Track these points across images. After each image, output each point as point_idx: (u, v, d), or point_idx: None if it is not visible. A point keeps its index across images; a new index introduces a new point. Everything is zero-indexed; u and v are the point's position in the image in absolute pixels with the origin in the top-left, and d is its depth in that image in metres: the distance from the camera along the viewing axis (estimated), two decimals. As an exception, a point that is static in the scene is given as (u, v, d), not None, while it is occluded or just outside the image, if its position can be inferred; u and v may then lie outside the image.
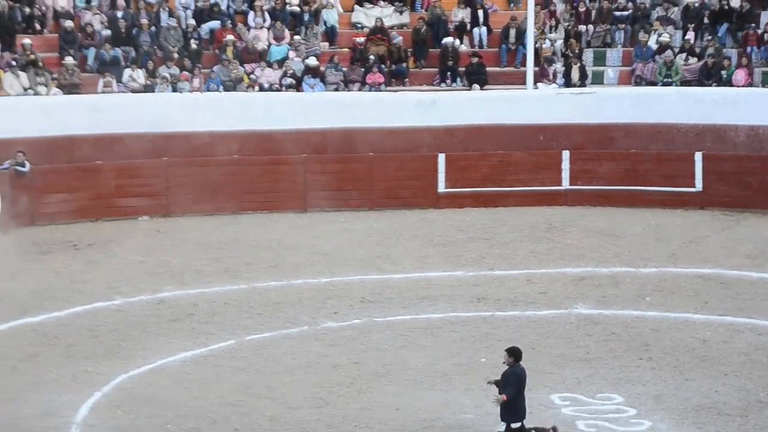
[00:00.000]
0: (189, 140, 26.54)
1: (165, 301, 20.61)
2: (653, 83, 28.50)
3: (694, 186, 26.66)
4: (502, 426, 14.67)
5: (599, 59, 29.40)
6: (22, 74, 26.62)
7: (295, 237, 24.67)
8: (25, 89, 26.57)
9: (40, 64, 27.01)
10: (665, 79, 28.39)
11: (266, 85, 27.94)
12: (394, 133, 27.27)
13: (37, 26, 28.02)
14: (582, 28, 29.69)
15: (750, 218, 25.82)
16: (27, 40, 27.29)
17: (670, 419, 15.61)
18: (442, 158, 26.97)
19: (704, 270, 22.24)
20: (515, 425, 14.61)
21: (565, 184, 27.18)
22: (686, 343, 18.55)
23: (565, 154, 27.16)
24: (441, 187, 26.97)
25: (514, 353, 14.79)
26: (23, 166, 25.03)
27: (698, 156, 26.69)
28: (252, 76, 27.99)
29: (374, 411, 15.85)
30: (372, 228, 25.32)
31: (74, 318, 19.61)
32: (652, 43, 28.95)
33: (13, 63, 26.71)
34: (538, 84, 28.35)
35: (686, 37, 29.04)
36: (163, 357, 17.82)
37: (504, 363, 14.92)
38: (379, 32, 29.06)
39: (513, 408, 14.64)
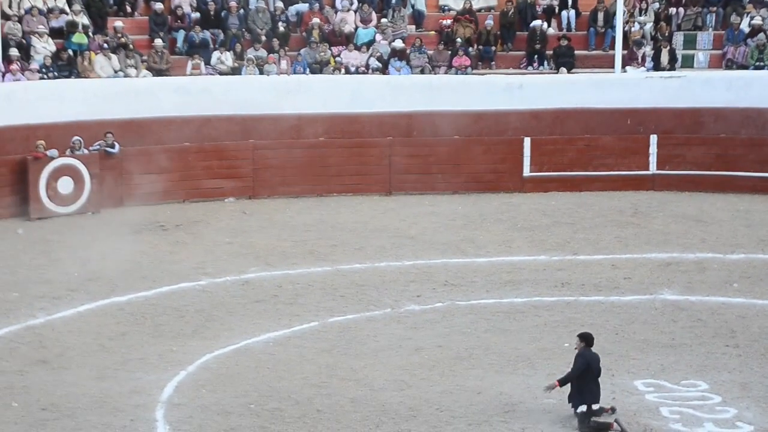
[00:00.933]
0: (276, 123, 26.70)
1: (250, 282, 20.79)
2: (745, 67, 28.09)
3: (785, 172, 26.31)
4: (584, 407, 14.67)
5: (689, 42, 29.02)
6: (113, 56, 26.99)
7: (379, 220, 24.74)
8: (116, 71, 26.94)
9: (131, 46, 27.36)
10: (757, 63, 27.97)
11: (353, 68, 28.02)
12: (480, 116, 27.20)
13: (128, 9, 28.41)
14: (672, 10, 29.33)
15: (842, 205, 25.41)
16: (118, 23, 27.68)
17: (757, 407, 15.40)
18: (528, 142, 26.85)
19: (794, 257, 21.94)
20: (581, 408, 14.61)
21: (653, 169, 26.92)
22: (774, 330, 18.32)
23: (653, 139, 26.89)
24: (526, 171, 26.85)
25: (585, 338, 14.89)
26: (113, 147, 25.38)
27: (790, 141, 26.35)
28: (338, 58, 28.10)
29: (456, 394, 15.85)
30: (456, 211, 25.30)
31: (161, 298, 19.86)
32: (744, 26, 28.52)
33: (105, 45, 27.09)
34: (627, 67, 28.08)
35: (779, 20, 28.63)
36: (248, 337, 17.97)
37: (575, 348, 14.98)
38: (466, 14, 28.98)
39: (581, 390, 14.65)
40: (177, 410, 15.30)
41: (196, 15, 28.39)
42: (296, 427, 14.79)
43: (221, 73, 27.47)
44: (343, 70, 27.96)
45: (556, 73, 28.22)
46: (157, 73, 27.12)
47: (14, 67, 25.90)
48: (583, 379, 14.79)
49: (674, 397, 15.75)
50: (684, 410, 15.33)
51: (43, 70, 26.33)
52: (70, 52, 26.89)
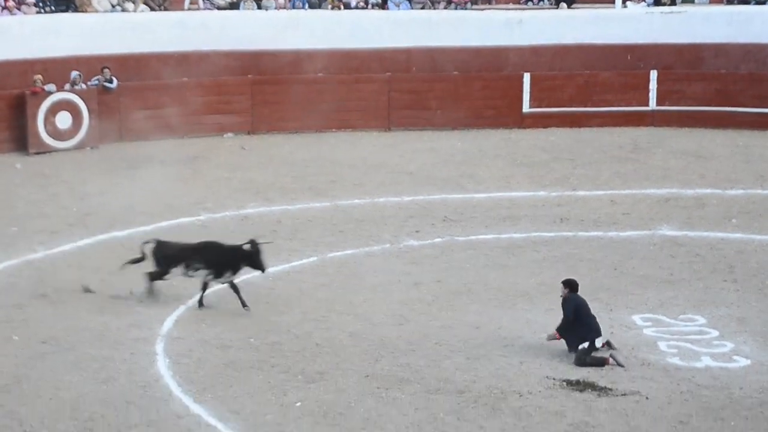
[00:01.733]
0: (274, 58, 26.59)
1: (249, 217, 20.79)
2: (745, 2, 27.90)
3: (784, 107, 26.25)
4: (585, 344, 14.70)
5: (690, -23, 28.86)
6: (110, -9, 26.82)
7: (378, 156, 24.70)
8: (113, 6, 26.73)
9: (128, -19, 27.17)
10: (758, -2, 27.84)
11: (352, 3, 27.82)
12: (479, 52, 27.10)
13: (125, -57, 28.13)
14: (673, -56, 29.09)
15: (842, 140, 25.38)
16: (115, -42, 27.46)
17: (754, 341, 15.47)
18: (527, 78, 26.75)
19: (793, 192, 21.96)
20: (583, 345, 14.66)
21: (652, 105, 26.86)
22: (772, 265, 18.36)
23: (653, 74, 26.80)
24: (526, 107, 26.79)
25: (570, 284, 14.95)
26: (111, 82, 25.29)
27: (790, 76, 26.26)
28: (338, -7, 27.92)
29: (455, 329, 15.90)
30: (456, 147, 25.26)
31: (160, 233, 19.67)
32: (746, -40, 28.34)
33: (102, -20, 26.91)
34: (627, 3, 27.90)
35: (782, -46, 28.37)
36: (247, 272, 17.96)
37: (561, 296, 14.98)
38: (466, -51, 28.76)
39: (578, 332, 14.67)
40: (177, 344, 15.36)
41: (194, -51, 28.14)
42: (295, 360, 14.85)
43: (219, 8, 27.29)
44: (342, 6, 27.76)
45: (556, 8, 28.05)
46: (155, 7, 26.89)
47: (11, 3, 25.71)
48: (577, 321, 14.79)
49: (672, 332, 15.81)
50: (682, 345, 15.40)
51: (40, 4, 26.13)
52: (67, -14, 26.71)
